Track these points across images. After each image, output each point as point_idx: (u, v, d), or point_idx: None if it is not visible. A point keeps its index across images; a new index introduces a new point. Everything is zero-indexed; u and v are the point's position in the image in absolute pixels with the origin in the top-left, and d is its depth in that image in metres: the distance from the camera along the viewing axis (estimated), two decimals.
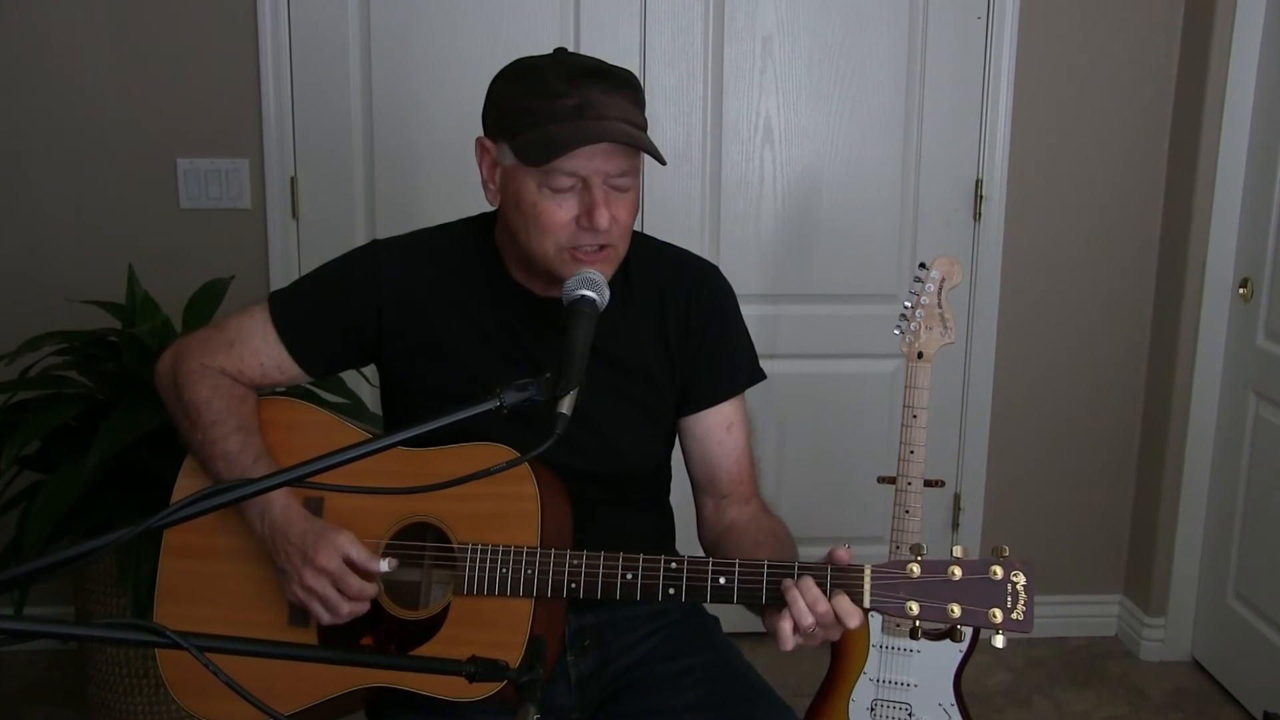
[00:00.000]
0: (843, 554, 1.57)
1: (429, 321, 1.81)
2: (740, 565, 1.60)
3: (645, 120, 1.71)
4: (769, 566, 1.59)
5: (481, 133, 1.76)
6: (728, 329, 1.90)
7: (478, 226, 1.86)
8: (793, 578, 1.56)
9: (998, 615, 1.50)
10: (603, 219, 1.64)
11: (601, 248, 1.68)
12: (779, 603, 1.56)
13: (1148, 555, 3.58)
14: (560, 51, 1.73)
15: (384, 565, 1.66)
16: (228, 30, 3.22)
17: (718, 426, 1.88)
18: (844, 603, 1.53)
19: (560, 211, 1.65)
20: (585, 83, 1.63)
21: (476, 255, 1.83)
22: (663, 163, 1.66)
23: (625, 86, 1.68)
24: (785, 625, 1.55)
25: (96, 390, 2.78)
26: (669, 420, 1.90)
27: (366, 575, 1.67)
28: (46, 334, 2.80)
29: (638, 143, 1.64)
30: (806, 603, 1.53)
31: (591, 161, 1.63)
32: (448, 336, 1.80)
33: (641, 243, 1.88)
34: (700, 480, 1.92)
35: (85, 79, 3.22)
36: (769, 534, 1.81)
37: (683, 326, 1.85)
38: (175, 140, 3.26)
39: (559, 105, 1.62)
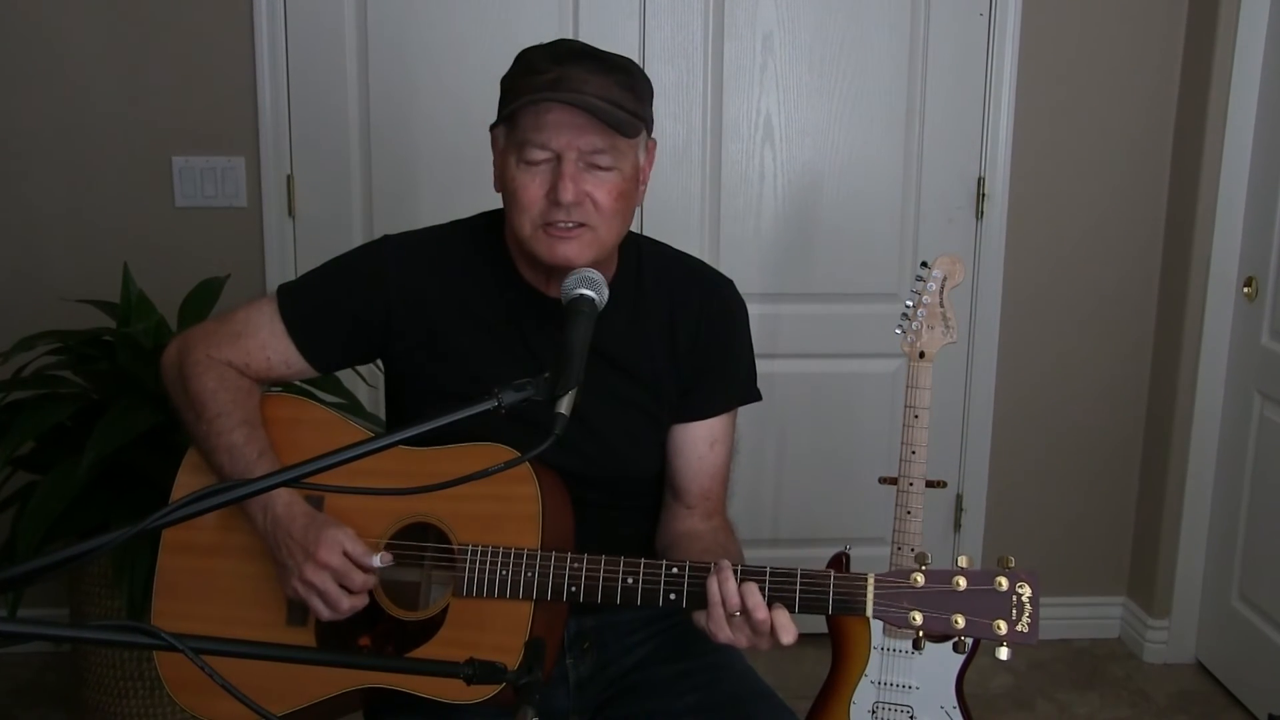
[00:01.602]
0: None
1: (436, 320, 1.80)
2: (742, 571, 1.58)
3: (640, 108, 1.69)
4: (771, 572, 1.57)
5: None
6: (732, 345, 1.89)
7: (489, 224, 1.85)
8: (794, 584, 1.55)
9: (1002, 627, 1.49)
10: (567, 191, 1.63)
11: (577, 226, 1.66)
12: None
13: (1151, 556, 3.56)
14: (562, 39, 1.73)
15: (377, 561, 1.65)
16: (223, 26, 3.20)
17: (701, 440, 1.87)
18: (782, 616, 1.54)
19: (533, 185, 1.65)
20: (570, 61, 1.64)
21: (486, 253, 1.82)
22: (626, 135, 1.65)
23: (616, 70, 1.67)
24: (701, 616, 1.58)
25: (91, 390, 2.76)
26: (670, 425, 1.88)
27: (363, 571, 1.66)
28: (40, 333, 2.79)
29: (592, 109, 1.61)
30: (723, 594, 1.54)
31: (560, 135, 1.63)
32: (454, 335, 1.79)
33: (656, 249, 1.88)
34: (670, 485, 1.91)
35: (80, 75, 3.20)
36: (721, 549, 1.78)
37: (691, 336, 1.84)
38: (170, 138, 3.23)
39: (537, 81, 1.63)
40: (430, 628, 1.68)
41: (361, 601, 1.67)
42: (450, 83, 3.23)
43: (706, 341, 1.85)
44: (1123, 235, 3.49)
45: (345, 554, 1.64)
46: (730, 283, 1.92)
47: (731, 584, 1.54)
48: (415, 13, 3.22)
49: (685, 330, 1.84)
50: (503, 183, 1.71)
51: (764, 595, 1.55)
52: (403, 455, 1.64)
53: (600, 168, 1.66)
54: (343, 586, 1.65)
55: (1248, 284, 3.25)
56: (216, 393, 1.76)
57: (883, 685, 2.54)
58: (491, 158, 1.77)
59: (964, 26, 3.33)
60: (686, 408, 1.86)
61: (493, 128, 1.74)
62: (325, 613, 1.66)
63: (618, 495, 1.84)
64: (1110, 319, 3.54)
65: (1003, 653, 1.50)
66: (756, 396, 1.93)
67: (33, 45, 3.17)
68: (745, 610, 1.54)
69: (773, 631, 1.54)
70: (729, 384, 1.89)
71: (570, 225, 1.66)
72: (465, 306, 1.79)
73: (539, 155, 1.64)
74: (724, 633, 1.56)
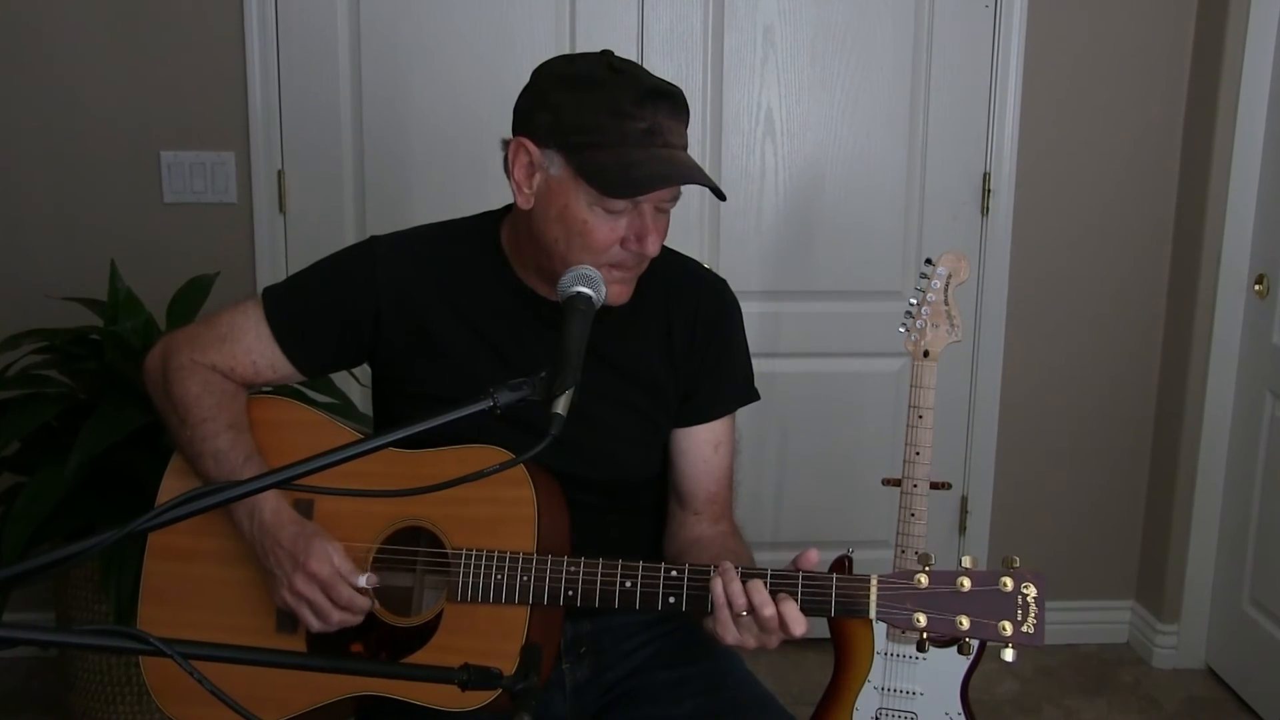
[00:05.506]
0: (811, 556, 1.56)
1: (427, 322, 1.77)
2: (742, 573, 1.55)
3: None
4: (773, 574, 1.54)
5: (491, 129, 1.74)
6: (730, 346, 1.88)
7: (482, 224, 1.82)
8: (796, 586, 1.53)
9: (1008, 628, 1.48)
10: (653, 245, 1.64)
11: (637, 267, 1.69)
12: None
13: (1160, 560, 3.53)
14: (608, 55, 1.67)
15: (363, 581, 1.63)
16: (213, 19, 3.16)
17: (706, 444, 1.86)
18: (791, 609, 1.51)
19: (611, 232, 1.63)
20: (653, 104, 1.61)
21: (480, 255, 1.79)
22: (722, 198, 1.67)
23: (683, 110, 1.66)
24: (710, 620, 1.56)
25: (78, 390, 2.75)
26: (668, 429, 1.87)
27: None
28: (26, 332, 2.77)
29: (715, 186, 1.64)
30: (728, 595, 1.52)
31: (655, 193, 1.62)
32: (446, 338, 1.76)
33: None
34: (676, 492, 1.89)
35: (67, 69, 3.16)
36: (732, 554, 1.76)
37: (688, 338, 1.83)
38: (159, 133, 3.20)
39: (629, 128, 1.59)
40: (424, 634, 1.65)
41: (355, 618, 1.64)
42: (444, 76, 3.20)
43: (705, 342, 1.84)
44: (1131, 232, 3.46)
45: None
46: (724, 281, 1.91)
47: (736, 584, 1.53)
48: (408, 6, 3.18)
49: (682, 331, 1.82)
50: (561, 216, 1.63)
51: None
52: (394, 458, 1.62)
53: (665, 211, 1.67)
54: (332, 600, 1.62)
55: (1259, 281, 3.22)
56: (201, 397, 1.74)
57: (886, 691, 2.52)
58: (506, 164, 1.67)
59: (970, 19, 3.31)
60: (688, 411, 1.84)
61: (531, 143, 1.64)
62: (315, 624, 1.64)
63: (613, 498, 1.82)
64: (1118, 318, 3.51)
65: (1008, 655, 1.48)
66: (755, 396, 1.92)
67: (20, 38, 3.14)
68: (752, 608, 1.52)
69: (782, 625, 1.51)
70: (729, 385, 1.88)
71: (634, 265, 1.68)
72: (457, 308, 1.77)
73: (622, 206, 1.62)
74: (731, 634, 1.54)
